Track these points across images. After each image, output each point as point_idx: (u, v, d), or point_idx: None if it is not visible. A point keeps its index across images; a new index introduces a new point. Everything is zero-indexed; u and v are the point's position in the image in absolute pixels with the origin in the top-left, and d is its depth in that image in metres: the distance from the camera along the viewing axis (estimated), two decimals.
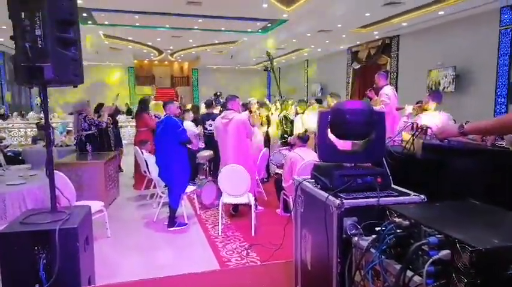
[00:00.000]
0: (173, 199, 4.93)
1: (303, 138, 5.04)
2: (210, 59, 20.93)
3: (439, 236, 1.31)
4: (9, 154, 7.68)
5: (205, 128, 7.28)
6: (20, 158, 7.65)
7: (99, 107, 8.00)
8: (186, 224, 5.01)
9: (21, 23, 2.39)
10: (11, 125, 13.01)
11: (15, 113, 14.75)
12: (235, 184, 4.75)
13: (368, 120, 2.18)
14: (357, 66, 14.56)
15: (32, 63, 2.37)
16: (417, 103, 5.92)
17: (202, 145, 7.15)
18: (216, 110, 7.79)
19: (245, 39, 15.41)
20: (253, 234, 4.60)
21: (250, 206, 4.77)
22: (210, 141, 6.91)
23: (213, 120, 7.04)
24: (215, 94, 9.47)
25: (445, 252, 1.27)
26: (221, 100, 8.56)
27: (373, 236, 1.60)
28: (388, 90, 5.85)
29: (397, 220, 1.54)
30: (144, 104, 7.60)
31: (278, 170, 6.40)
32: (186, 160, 5.04)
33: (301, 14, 10.84)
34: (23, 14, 2.39)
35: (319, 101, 8.56)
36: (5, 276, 2.38)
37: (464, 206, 1.71)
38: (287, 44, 14.88)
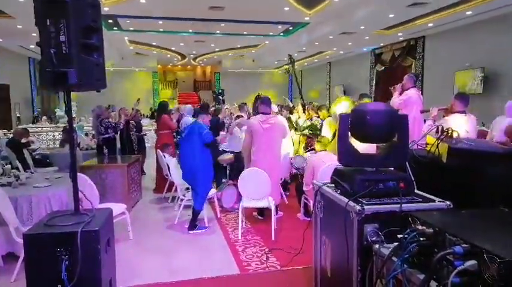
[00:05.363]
0: (198, 201, 4.94)
1: None
2: (232, 62, 21.09)
3: (465, 245, 1.25)
4: (37, 157, 7.94)
5: None
6: (48, 161, 7.90)
7: (121, 110, 8.19)
8: (207, 227, 5.02)
9: (47, 30, 2.45)
10: (40, 128, 13.47)
11: (44, 117, 15.26)
12: (255, 187, 4.73)
13: (390, 122, 2.11)
14: (380, 68, 14.30)
15: (57, 69, 2.42)
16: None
17: None
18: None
19: (267, 42, 15.44)
20: (273, 238, 4.56)
21: (271, 210, 4.74)
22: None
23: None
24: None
25: (471, 262, 1.21)
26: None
27: (395, 243, 1.55)
28: (410, 92, 5.71)
29: (420, 227, 1.49)
30: (163, 106, 7.71)
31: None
32: (210, 162, 5.06)
33: (323, 17, 10.77)
34: (48, 21, 2.45)
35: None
36: (30, 276, 2.43)
37: (494, 215, 1.63)
38: (309, 47, 14.80)
